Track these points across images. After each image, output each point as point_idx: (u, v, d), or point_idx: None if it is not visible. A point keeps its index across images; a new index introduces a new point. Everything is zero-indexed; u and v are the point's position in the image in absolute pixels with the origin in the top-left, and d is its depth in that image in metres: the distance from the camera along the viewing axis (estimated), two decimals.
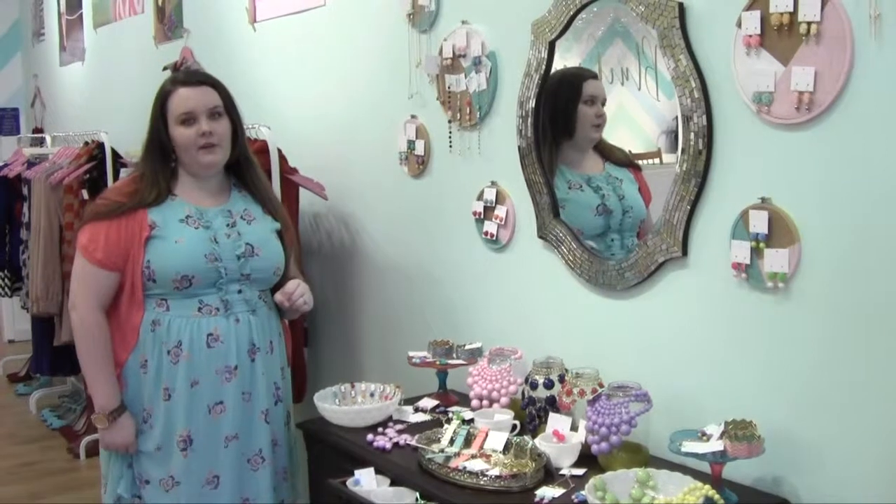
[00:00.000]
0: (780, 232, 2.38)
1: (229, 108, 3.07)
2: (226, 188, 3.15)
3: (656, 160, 2.85)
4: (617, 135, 2.98)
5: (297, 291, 3.12)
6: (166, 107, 3.00)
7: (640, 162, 2.95)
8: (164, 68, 5.77)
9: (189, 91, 3.01)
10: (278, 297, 3.12)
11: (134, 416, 3.00)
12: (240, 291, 3.04)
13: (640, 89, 2.82)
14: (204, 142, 2.98)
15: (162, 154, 3.03)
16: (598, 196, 3.00)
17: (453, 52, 3.41)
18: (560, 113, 3.05)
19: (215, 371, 2.99)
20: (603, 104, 2.97)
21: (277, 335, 3.19)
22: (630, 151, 2.95)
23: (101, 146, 5.52)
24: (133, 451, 3.01)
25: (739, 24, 2.42)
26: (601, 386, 2.69)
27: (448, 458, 2.66)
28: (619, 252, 2.94)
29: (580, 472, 2.58)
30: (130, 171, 3.13)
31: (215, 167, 3.06)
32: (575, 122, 3.04)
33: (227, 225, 3.05)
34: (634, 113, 2.89)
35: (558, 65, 3.04)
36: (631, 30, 2.80)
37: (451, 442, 2.76)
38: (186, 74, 3.13)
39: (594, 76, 2.99)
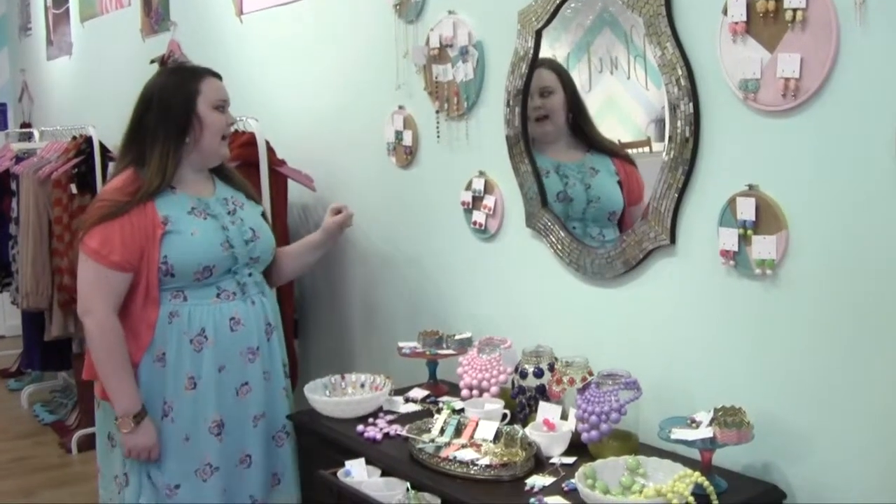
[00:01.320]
0: (767, 219, 2.38)
1: None
2: (210, 177, 3.21)
3: (646, 149, 2.85)
4: (606, 124, 2.98)
5: (347, 207, 3.38)
6: (198, 90, 3.03)
7: (629, 151, 2.94)
8: (152, 61, 5.71)
9: (220, 82, 3.12)
10: (331, 222, 3.35)
11: (153, 415, 2.99)
12: (250, 274, 3.13)
13: (629, 78, 2.82)
14: (229, 131, 3.10)
15: (180, 135, 3.02)
16: (561, 183, 3.01)
17: (440, 43, 3.41)
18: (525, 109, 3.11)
19: (240, 353, 3.06)
20: (542, 95, 3.01)
21: (278, 315, 3.29)
22: (619, 141, 2.95)
23: (89, 140, 5.51)
24: (155, 456, 3.00)
25: (725, 12, 2.42)
26: (591, 374, 2.69)
27: (438, 448, 2.67)
28: (592, 240, 2.97)
29: (570, 460, 2.58)
30: (118, 165, 3.11)
31: (225, 159, 3.17)
32: (525, 115, 3.09)
33: (228, 213, 3.11)
34: (623, 102, 2.89)
35: (547, 54, 3.04)
36: (619, 18, 2.80)
37: (442, 432, 2.76)
38: (208, 68, 3.15)
39: (542, 64, 3.02)
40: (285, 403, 3.22)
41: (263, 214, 3.29)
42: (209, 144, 3.04)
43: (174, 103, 3.02)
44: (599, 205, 2.98)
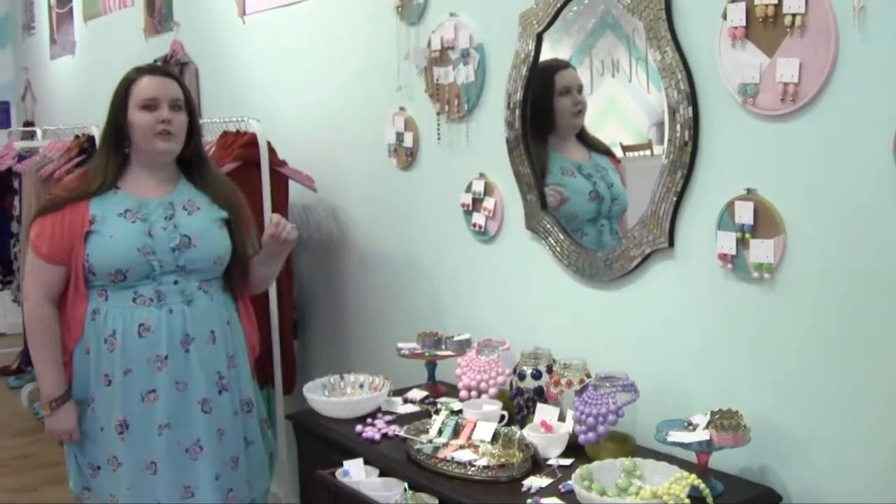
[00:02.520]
0: (765, 223, 2.39)
1: (189, 104, 3.14)
2: (174, 178, 3.18)
3: (647, 152, 2.86)
4: (608, 127, 2.98)
5: (281, 220, 3.14)
6: (129, 92, 3.06)
7: (631, 154, 2.95)
8: (155, 61, 5.77)
9: (154, 80, 3.08)
10: (265, 234, 3.14)
11: (79, 403, 3.07)
12: (175, 282, 3.06)
13: (630, 81, 2.83)
14: (161, 128, 3.03)
15: (117, 140, 3.08)
16: (589, 182, 3.01)
17: (441, 45, 3.42)
18: (539, 107, 3.09)
19: (146, 359, 3.02)
20: (579, 91, 2.99)
21: (224, 325, 3.17)
22: (620, 143, 2.96)
23: (91, 139, 5.50)
24: (76, 439, 3.08)
25: (725, 16, 2.43)
26: (588, 376, 2.70)
27: (436, 449, 2.68)
28: (608, 237, 2.97)
29: (567, 462, 2.59)
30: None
31: (169, 155, 3.11)
32: (554, 114, 3.07)
33: (165, 217, 3.07)
34: (625, 105, 2.90)
35: (548, 56, 3.05)
36: (621, 21, 2.80)
37: (440, 433, 2.77)
38: (152, 66, 3.21)
39: (565, 66, 3.01)
40: (201, 418, 3.07)
41: (229, 222, 3.18)
42: (142, 144, 3.06)
43: (111, 109, 3.10)
44: (619, 202, 2.99)
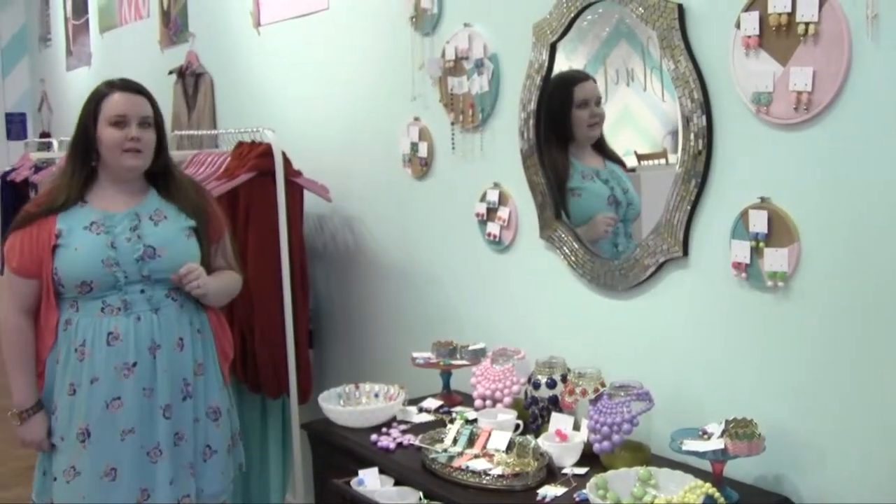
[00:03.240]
0: (779, 231, 2.39)
1: (158, 122, 3.16)
2: (142, 190, 3.19)
3: (662, 160, 2.86)
4: (623, 136, 2.99)
5: (191, 274, 3.10)
6: (99, 107, 3.08)
7: (646, 162, 2.96)
8: (170, 72, 5.81)
9: (125, 97, 3.11)
10: (173, 275, 3.11)
11: (49, 410, 3.11)
12: (142, 291, 3.08)
13: (645, 90, 2.83)
14: (130, 146, 3.06)
15: (84, 154, 3.11)
16: (607, 187, 3.03)
17: (455, 55, 3.43)
18: (557, 118, 3.10)
19: (114, 367, 3.04)
20: (597, 104, 3.00)
21: (193, 332, 3.18)
22: (636, 152, 2.97)
23: None
24: (45, 449, 3.13)
25: (738, 25, 2.44)
26: (603, 385, 2.70)
27: (451, 458, 2.68)
28: (623, 239, 2.99)
29: (582, 470, 2.59)
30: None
31: (137, 171, 3.13)
32: (572, 126, 3.08)
33: (130, 228, 3.09)
34: (640, 114, 2.90)
35: (563, 66, 3.06)
36: (636, 31, 2.80)
37: (455, 442, 2.77)
38: (124, 81, 3.21)
39: (585, 78, 3.02)
40: (162, 422, 3.08)
41: (197, 231, 3.18)
42: (110, 160, 3.09)
43: (79, 122, 3.13)
44: (634, 207, 3.00)
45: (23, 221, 3.08)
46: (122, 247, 3.04)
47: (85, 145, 3.10)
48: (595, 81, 3.01)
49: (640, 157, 2.96)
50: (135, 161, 3.08)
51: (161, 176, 3.21)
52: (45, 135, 9.22)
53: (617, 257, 2.92)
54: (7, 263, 3.07)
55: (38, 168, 6.15)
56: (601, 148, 3.04)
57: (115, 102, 3.08)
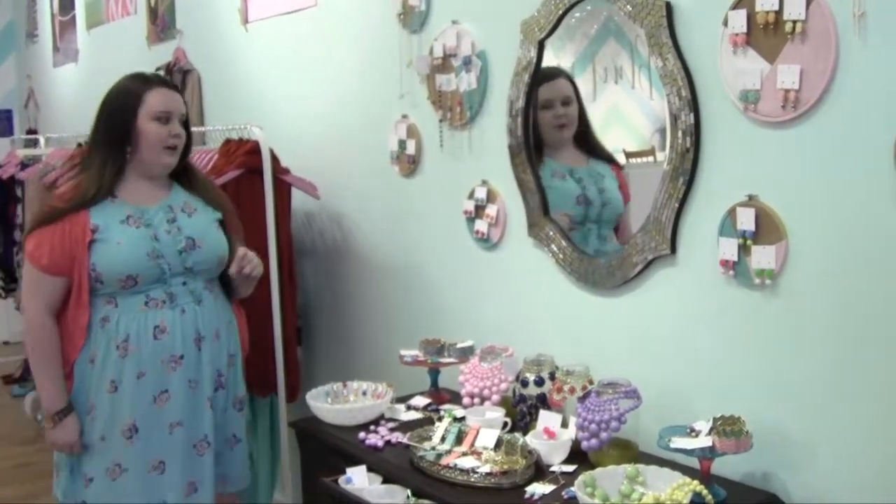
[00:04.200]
0: (767, 229, 2.40)
1: (187, 121, 3.17)
2: (168, 185, 3.19)
3: (650, 158, 2.86)
4: (611, 133, 2.99)
5: (247, 256, 3.16)
6: (141, 101, 3.04)
7: (634, 160, 2.96)
8: (157, 69, 5.78)
9: (168, 93, 3.10)
10: (232, 267, 3.16)
11: (78, 413, 3.05)
12: (184, 283, 3.09)
13: (633, 88, 2.83)
14: (172, 142, 3.06)
15: (118, 147, 3.06)
16: (578, 186, 3.03)
17: (444, 52, 3.42)
18: (529, 117, 3.13)
19: (161, 361, 3.04)
20: (565, 103, 3.02)
21: (225, 324, 3.21)
22: (624, 150, 2.97)
23: None
24: (77, 451, 3.07)
25: (726, 23, 2.44)
26: (591, 383, 2.70)
27: (439, 456, 2.68)
28: (595, 240, 3.01)
29: (570, 468, 2.59)
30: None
31: (170, 168, 3.14)
32: (538, 126, 3.11)
33: (168, 221, 3.09)
34: (628, 111, 2.90)
35: (551, 63, 3.06)
36: (624, 28, 2.80)
37: (443, 439, 2.77)
38: (159, 77, 3.21)
39: (553, 76, 3.05)
40: (209, 413, 3.13)
41: (222, 223, 3.24)
42: (148, 156, 3.06)
43: (115, 114, 3.07)
44: (610, 208, 3.01)
45: (50, 217, 3.00)
46: (164, 239, 3.04)
47: (121, 138, 3.05)
48: (568, 78, 3.02)
49: (628, 155, 2.96)
50: (172, 158, 3.09)
51: (181, 170, 3.21)
52: (31, 131, 9.17)
53: (593, 252, 2.92)
54: (34, 262, 2.99)
55: (24, 165, 6.13)
56: (588, 145, 3.04)
57: (160, 98, 3.06)
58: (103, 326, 3.02)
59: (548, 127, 3.10)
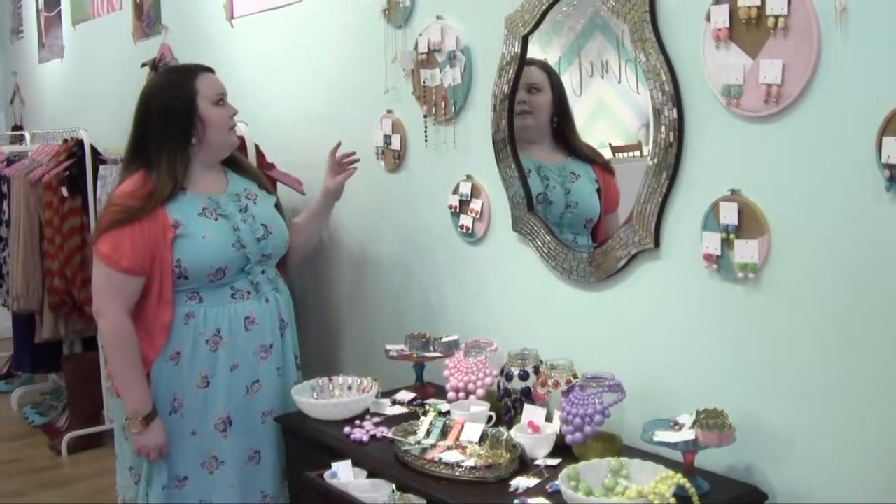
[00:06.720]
0: (749, 223, 2.41)
1: None
2: (224, 171, 3.23)
3: (637, 153, 2.87)
4: (597, 128, 2.99)
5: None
6: (195, 88, 3.07)
7: (621, 155, 2.96)
8: (143, 65, 5.77)
9: (213, 76, 3.18)
10: (338, 179, 3.41)
11: (161, 411, 3.05)
12: (263, 272, 3.16)
13: (619, 82, 2.84)
14: (234, 122, 3.16)
15: (183, 139, 3.07)
16: (542, 185, 3.03)
17: (428, 47, 3.43)
18: (511, 114, 3.13)
19: (253, 352, 3.10)
20: (529, 91, 3.05)
21: (293, 309, 3.32)
22: (610, 144, 2.97)
23: (80, 143, 5.51)
24: (165, 454, 3.06)
25: (709, 18, 2.45)
26: (575, 377, 2.71)
27: (424, 450, 2.68)
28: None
29: (555, 462, 2.60)
30: (125, 171, 3.13)
31: (235, 146, 3.23)
32: (512, 119, 3.11)
33: (240, 210, 3.14)
34: (615, 106, 2.91)
35: (538, 58, 3.06)
36: (610, 23, 2.80)
37: (428, 434, 2.77)
38: (198, 65, 3.23)
39: (531, 63, 3.05)
40: (292, 401, 3.19)
41: (277, 205, 3.32)
42: (217, 139, 3.11)
43: (175, 108, 3.06)
44: (577, 210, 3.01)
45: (126, 218, 2.96)
46: (242, 228, 3.08)
47: (184, 130, 3.05)
48: (544, 68, 3.04)
49: (614, 150, 2.97)
50: (235, 138, 3.17)
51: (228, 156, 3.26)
52: (17, 128, 9.15)
53: (587, 250, 2.93)
54: (113, 264, 2.95)
55: (10, 161, 6.11)
56: (566, 143, 3.03)
57: (214, 82, 3.13)
58: (187, 322, 3.03)
59: (515, 115, 3.10)
